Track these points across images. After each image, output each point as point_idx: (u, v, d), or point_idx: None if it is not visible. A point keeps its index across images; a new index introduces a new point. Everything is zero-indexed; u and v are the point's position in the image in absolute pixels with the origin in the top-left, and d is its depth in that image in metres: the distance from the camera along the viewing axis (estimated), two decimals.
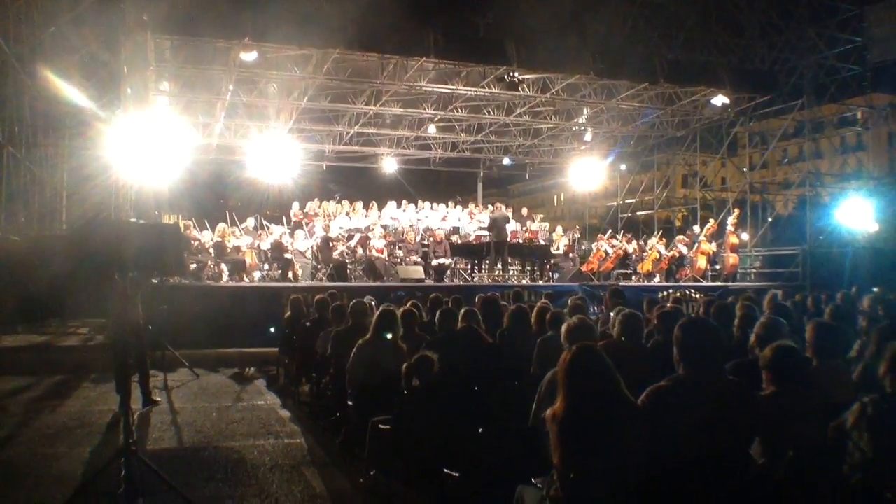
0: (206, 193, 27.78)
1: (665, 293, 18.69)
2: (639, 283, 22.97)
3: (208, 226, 21.61)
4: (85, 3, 18.48)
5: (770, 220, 27.06)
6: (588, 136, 28.89)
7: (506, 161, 33.27)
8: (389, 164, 31.27)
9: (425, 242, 22.68)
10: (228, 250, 19.92)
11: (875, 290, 13.45)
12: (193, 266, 19.04)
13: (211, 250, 20.16)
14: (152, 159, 16.65)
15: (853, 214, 24.55)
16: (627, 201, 32.53)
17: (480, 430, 5.49)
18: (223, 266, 19.93)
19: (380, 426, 6.38)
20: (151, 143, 16.50)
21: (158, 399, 11.30)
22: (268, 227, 22.26)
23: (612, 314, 7.51)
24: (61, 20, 19.01)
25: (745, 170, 28.56)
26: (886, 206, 26.01)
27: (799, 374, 5.16)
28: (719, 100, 22.63)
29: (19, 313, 17.57)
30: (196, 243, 20.08)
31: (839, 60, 24.20)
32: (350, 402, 7.65)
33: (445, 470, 5.49)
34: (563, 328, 6.16)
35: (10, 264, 15.63)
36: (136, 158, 16.53)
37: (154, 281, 14.47)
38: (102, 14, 17.92)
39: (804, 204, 26.03)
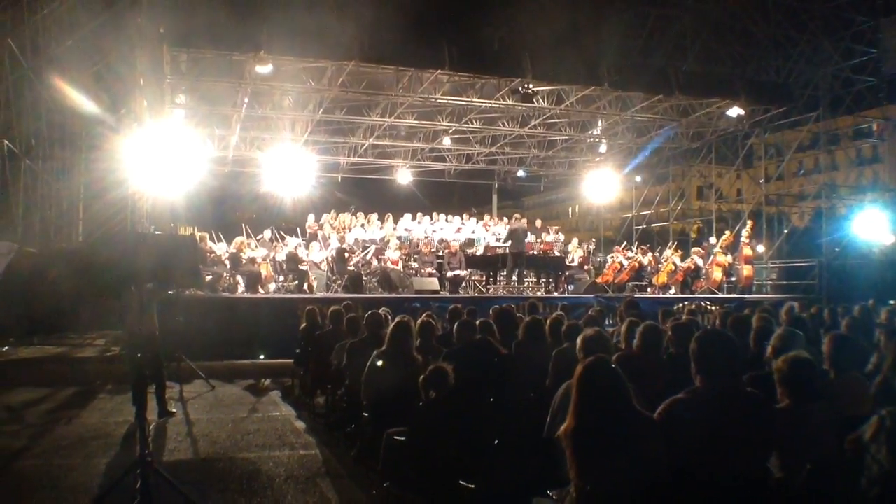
0: (221, 205, 27.93)
1: (680, 305, 18.63)
2: (654, 295, 22.90)
3: (223, 238, 21.67)
4: (102, 16, 18.61)
5: (786, 231, 26.97)
6: (603, 148, 28.87)
7: (520, 173, 33.27)
8: (404, 176, 31.30)
9: (440, 254, 22.68)
10: (244, 262, 19.96)
11: (892, 302, 13.37)
12: (209, 278, 19.07)
13: (226, 262, 20.19)
14: (168, 171, 16.73)
15: (869, 226, 24.44)
16: (643, 213, 32.49)
17: (496, 442, 5.48)
18: (238, 278, 19.97)
19: (395, 438, 6.37)
20: (167, 155, 16.58)
21: (174, 410, 11.31)
22: (283, 239, 22.29)
23: (624, 326, 7.47)
24: (78, 33, 19.15)
25: (760, 181, 28.48)
26: None
27: (815, 386, 5.14)
28: (734, 111, 22.60)
29: (36, 324, 17.70)
30: (211, 255, 20.13)
31: (854, 72, 24.16)
32: (365, 414, 7.65)
33: (461, 482, 5.48)
34: (579, 340, 6.13)
35: (27, 276, 15.76)
36: (152, 170, 16.61)
37: (170, 292, 14.51)
38: (119, 27, 18.04)
39: (820, 216, 25.97)
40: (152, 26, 16.73)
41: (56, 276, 14.38)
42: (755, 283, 24.86)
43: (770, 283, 26.74)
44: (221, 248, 20.96)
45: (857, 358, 6.46)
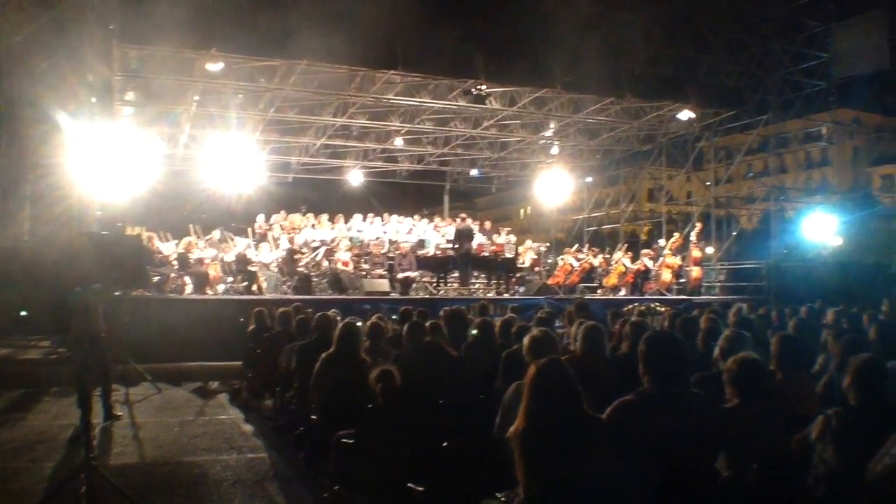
0: (170, 205, 27.50)
1: (630, 306, 18.73)
2: (604, 297, 23.02)
3: (171, 238, 21.42)
4: (51, 13, 18.31)
5: (735, 234, 27.25)
6: (555, 150, 28.98)
7: (473, 172, 33.28)
8: (356, 177, 31.20)
9: (391, 255, 22.60)
10: (192, 263, 19.75)
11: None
12: (156, 278, 18.85)
13: (174, 262, 19.96)
14: (116, 170, 16.49)
15: (817, 229, 24.81)
16: (593, 215, 32.65)
17: (444, 444, 5.46)
18: (186, 279, 19.76)
19: (344, 440, 6.33)
20: (115, 153, 16.35)
21: (120, 413, 11.17)
22: (232, 240, 22.09)
23: (574, 327, 7.49)
24: (26, 30, 18.82)
25: (709, 184, 28.77)
26: (850, 220, 26.29)
27: (762, 386, 5.18)
28: (685, 114, 22.82)
29: None
30: (159, 255, 19.89)
31: (805, 76, 24.46)
32: (314, 417, 7.59)
33: (410, 484, 5.46)
34: (526, 341, 6.12)
35: None
36: (101, 169, 16.37)
37: (116, 293, 14.30)
38: (69, 23, 17.76)
39: (768, 218, 26.29)
40: (102, 22, 16.50)
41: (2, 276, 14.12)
42: (704, 284, 25.12)
43: (719, 284, 27.00)
44: (169, 249, 20.72)
45: (804, 358, 6.54)
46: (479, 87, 19.78)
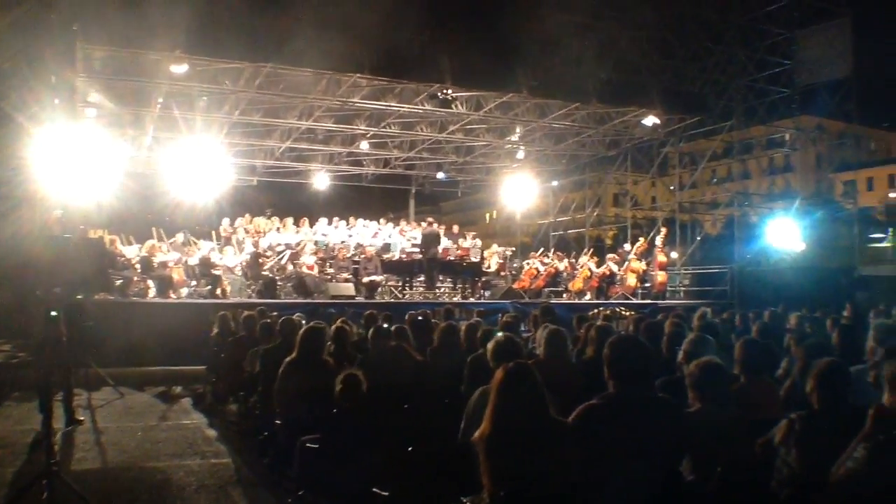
0: (133, 208, 27.26)
1: (596, 311, 18.81)
2: (570, 301, 23.10)
3: (135, 241, 21.24)
4: (13, 13, 18.11)
5: (699, 239, 27.46)
6: (521, 155, 29.08)
7: (440, 175, 33.22)
8: (321, 180, 31.11)
9: (356, 259, 22.54)
10: (155, 266, 19.59)
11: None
12: (119, 282, 18.68)
13: (137, 266, 19.80)
14: (79, 172, 16.33)
15: (780, 234, 25.05)
16: (559, 219, 32.78)
17: (409, 449, 5.45)
18: (150, 282, 19.60)
19: (308, 445, 6.29)
20: (79, 155, 16.19)
21: (82, 418, 11.03)
22: (196, 243, 21.94)
23: (539, 332, 7.50)
24: None
25: (672, 188, 28.99)
26: (813, 226, 26.56)
27: (725, 390, 5.22)
28: (650, 120, 22.99)
29: None
30: (122, 259, 19.71)
31: (769, 83, 24.75)
32: (278, 421, 7.55)
33: (375, 489, 5.44)
34: (490, 345, 6.14)
35: None
36: (64, 171, 16.21)
37: (78, 297, 14.15)
38: (31, 23, 17.57)
39: (732, 223, 26.53)
40: (66, 23, 16.35)
41: None
42: (669, 289, 25.28)
43: (683, 289, 27.21)
44: (132, 252, 20.54)
45: (768, 362, 6.60)
46: (445, 91, 19.82)
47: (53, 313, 7.20)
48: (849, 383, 4.89)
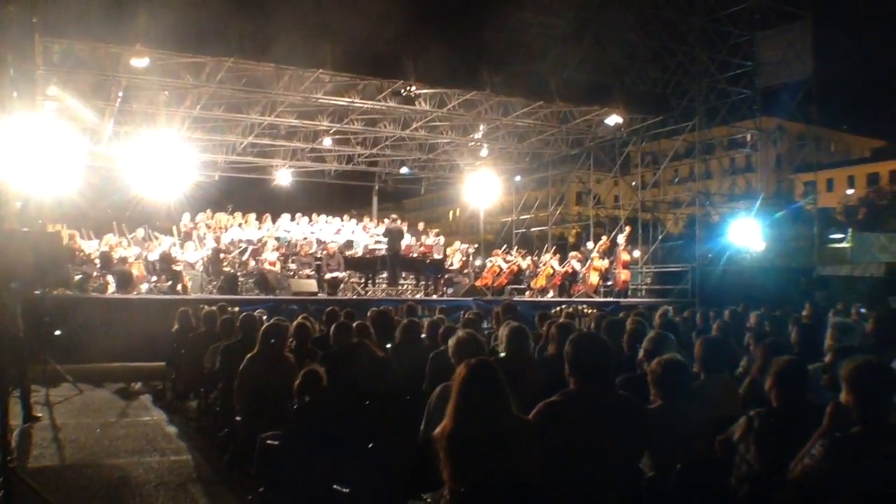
0: (93, 202, 26.99)
1: (558, 308, 18.87)
2: (532, 299, 23.17)
3: (94, 236, 21.04)
4: None
5: (661, 237, 27.62)
6: (484, 152, 29.13)
7: (403, 170, 33.17)
8: (284, 176, 30.98)
9: (318, 255, 22.47)
10: (115, 261, 19.41)
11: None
12: (78, 277, 18.48)
13: (97, 261, 19.61)
14: (38, 166, 16.14)
15: (741, 234, 25.25)
16: (522, 217, 32.85)
17: (370, 446, 5.43)
18: (109, 278, 19.41)
19: (268, 442, 6.26)
20: (37, 149, 16.00)
21: (40, 415, 10.94)
22: (156, 238, 21.77)
23: (502, 329, 7.52)
24: None
25: (634, 184, 29.16)
26: (773, 225, 26.81)
27: (685, 387, 5.26)
28: (612, 119, 23.12)
29: None
30: (81, 254, 19.51)
31: (730, 84, 24.94)
32: (238, 418, 7.51)
33: (335, 486, 5.42)
34: (451, 342, 6.14)
35: None
36: (23, 165, 16.01)
37: (36, 292, 13.99)
38: None
39: (694, 223, 26.72)
40: (24, 15, 16.13)
41: None
42: (631, 287, 25.41)
43: (645, 287, 27.35)
44: (92, 247, 20.34)
45: (727, 360, 6.66)
46: (408, 88, 19.79)
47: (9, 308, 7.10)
48: (807, 381, 4.95)
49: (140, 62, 17.69)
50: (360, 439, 5.52)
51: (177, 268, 20.11)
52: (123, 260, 19.60)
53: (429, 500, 4.55)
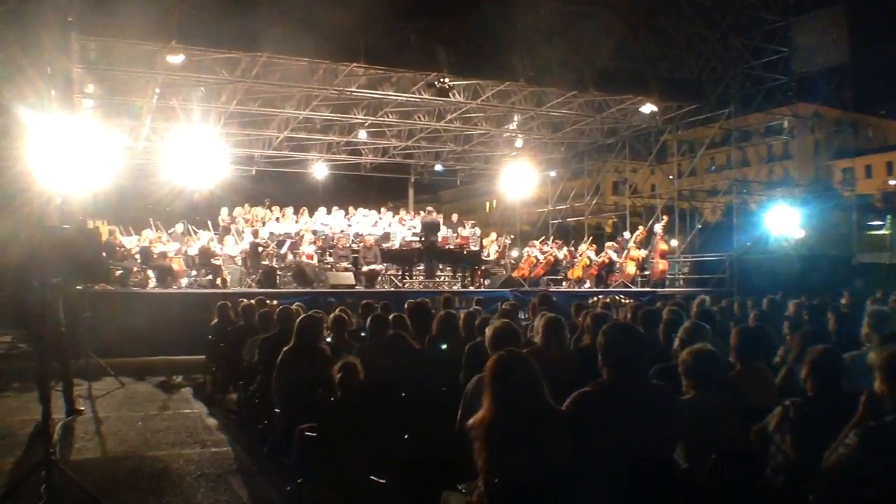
0: (132, 198, 27.33)
1: (595, 299, 18.83)
2: (569, 289, 23.12)
3: (134, 231, 21.27)
4: (7, 4, 18.08)
5: (699, 226, 27.45)
6: (519, 143, 29.04)
7: (438, 167, 33.27)
8: (320, 170, 31.12)
9: (356, 248, 22.56)
10: (155, 256, 19.63)
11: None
12: (119, 272, 18.71)
13: (137, 256, 19.83)
14: (78, 163, 16.34)
15: (779, 221, 25.06)
16: (558, 208, 32.74)
17: (406, 437, 5.47)
18: (150, 272, 19.63)
19: (306, 434, 6.32)
20: (77, 146, 16.19)
21: (82, 408, 11.06)
22: (195, 233, 21.97)
23: (538, 320, 7.51)
24: None
25: (672, 177, 28.95)
26: (812, 213, 26.57)
27: (718, 377, 5.23)
28: (647, 108, 22.99)
29: None
30: (121, 249, 19.75)
31: (765, 70, 24.67)
32: (276, 410, 7.58)
33: (372, 477, 5.46)
34: (488, 332, 6.13)
35: None
36: (62, 162, 16.21)
37: (77, 288, 14.18)
38: (25, 15, 17.55)
39: (731, 211, 26.49)
40: (60, 14, 16.32)
41: None
42: (668, 276, 25.28)
43: (682, 276, 27.21)
44: (132, 242, 20.58)
45: (763, 350, 6.60)
46: (442, 79, 19.80)
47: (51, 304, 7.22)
48: (842, 370, 4.91)
49: (175, 59, 17.84)
50: (396, 430, 5.56)
51: (216, 262, 20.29)
52: (163, 255, 19.81)
53: (464, 490, 4.59)
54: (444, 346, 7.94)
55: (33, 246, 6.51)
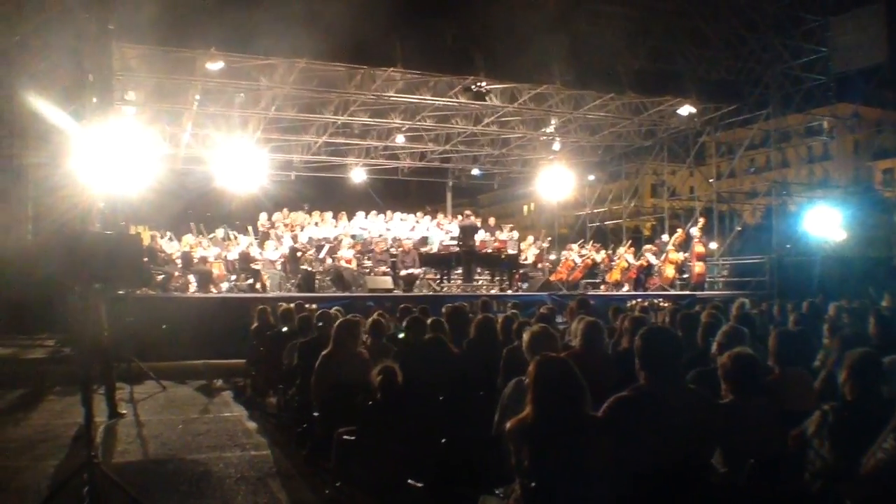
0: (173, 204, 27.52)
1: (633, 302, 18.74)
2: (607, 293, 23.03)
3: (175, 237, 21.48)
4: (49, 11, 18.33)
5: (738, 229, 27.25)
6: (556, 146, 28.97)
7: (475, 172, 33.30)
8: (358, 174, 31.24)
9: (394, 252, 22.62)
10: (195, 261, 19.80)
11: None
12: (160, 277, 18.91)
13: (178, 261, 20.02)
14: (119, 169, 16.52)
15: (820, 223, 24.77)
16: (596, 211, 32.67)
17: (443, 441, 5.49)
18: (190, 277, 19.80)
19: (345, 437, 6.36)
20: (118, 152, 16.36)
21: (124, 411, 11.18)
22: (235, 238, 22.14)
23: (573, 324, 7.50)
24: (25, 29, 18.85)
25: (710, 179, 28.76)
26: (852, 214, 26.26)
27: (757, 382, 5.19)
28: (685, 110, 22.88)
29: None
30: (162, 254, 19.94)
31: (804, 70, 24.43)
32: (316, 414, 7.62)
33: (410, 481, 5.49)
34: (525, 336, 6.13)
35: None
36: (103, 168, 16.39)
37: (120, 292, 14.34)
38: (67, 23, 17.78)
39: (771, 213, 26.27)
40: (101, 22, 16.51)
41: (5, 275, 14.19)
42: (707, 279, 25.09)
43: (722, 279, 27.00)
44: (173, 248, 20.78)
45: (802, 354, 6.53)
46: (478, 83, 19.83)
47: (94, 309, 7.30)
48: (881, 374, 4.86)
49: (214, 66, 18.01)
50: (434, 434, 5.58)
51: (255, 266, 20.43)
52: (203, 260, 19.98)
53: (501, 494, 4.61)
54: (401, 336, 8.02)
55: (75, 251, 6.59)
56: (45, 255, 6.81)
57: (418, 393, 6.29)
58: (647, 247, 25.04)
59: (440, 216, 28.11)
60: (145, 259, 17.24)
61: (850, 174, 44.22)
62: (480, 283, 23.71)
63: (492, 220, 27.10)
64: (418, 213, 27.16)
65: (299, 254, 21.32)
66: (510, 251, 23.36)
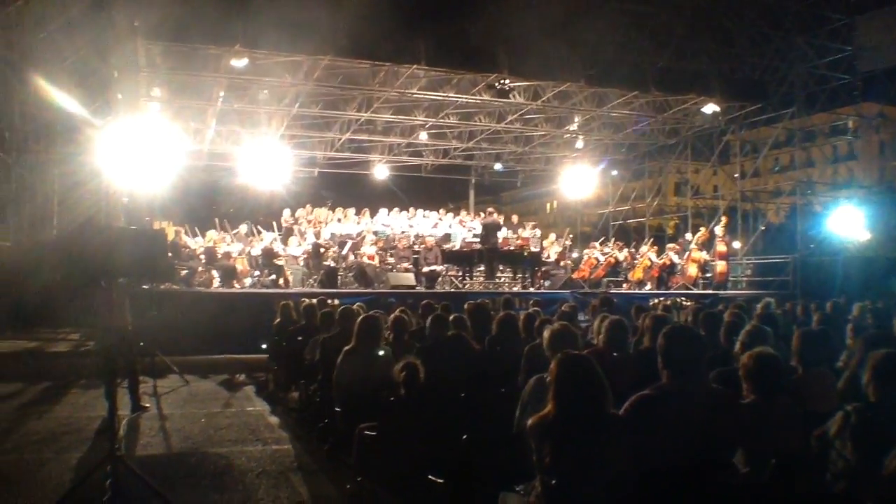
0: (197, 199, 27.74)
1: (656, 301, 18.70)
2: (630, 291, 22.98)
3: (199, 232, 21.59)
4: (75, 8, 18.47)
5: (762, 228, 27.10)
6: (580, 144, 28.92)
7: (497, 166, 33.24)
8: (381, 171, 31.29)
9: (416, 249, 22.65)
10: (219, 257, 19.89)
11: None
12: (184, 272, 19.02)
13: (202, 256, 20.12)
14: (143, 165, 16.61)
15: (844, 223, 24.63)
16: (619, 209, 32.60)
17: (465, 437, 5.50)
18: (214, 272, 19.90)
19: (366, 433, 6.37)
20: (142, 148, 16.46)
21: (148, 405, 11.24)
22: (259, 234, 22.23)
23: (596, 322, 7.49)
24: (52, 26, 19.01)
25: (736, 177, 28.62)
26: (877, 214, 26.09)
27: (780, 382, 5.16)
28: (710, 108, 22.78)
29: (10, 319, 17.58)
30: (186, 250, 20.05)
31: (829, 69, 24.28)
32: (337, 409, 7.64)
33: (431, 476, 5.50)
34: (546, 334, 6.13)
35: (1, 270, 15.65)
36: (128, 164, 16.50)
37: (144, 287, 14.43)
38: (93, 20, 17.91)
39: (795, 212, 26.13)
40: (126, 19, 16.62)
41: (31, 269, 14.29)
42: (731, 279, 24.97)
43: (745, 279, 26.88)
44: (197, 243, 20.89)
45: (825, 354, 6.49)
46: (502, 81, 19.82)
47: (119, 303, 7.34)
48: None
49: (239, 62, 18.07)
50: (455, 431, 5.59)
51: (279, 262, 20.51)
52: (227, 255, 20.08)
53: (521, 491, 4.61)
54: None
55: (100, 245, 6.64)
56: (70, 250, 6.84)
57: (440, 389, 6.30)
58: (671, 245, 24.97)
59: (463, 213, 28.15)
60: (169, 254, 17.34)
61: (875, 174, 43.83)
62: (502, 280, 23.69)
63: (514, 218, 27.14)
64: (441, 210, 27.22)
65: (322, 250, 21.37)
66: (532, 249, 23.39)
